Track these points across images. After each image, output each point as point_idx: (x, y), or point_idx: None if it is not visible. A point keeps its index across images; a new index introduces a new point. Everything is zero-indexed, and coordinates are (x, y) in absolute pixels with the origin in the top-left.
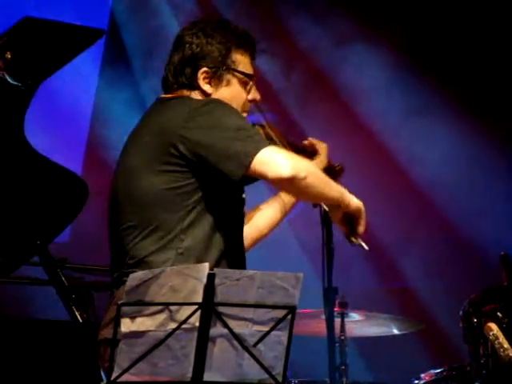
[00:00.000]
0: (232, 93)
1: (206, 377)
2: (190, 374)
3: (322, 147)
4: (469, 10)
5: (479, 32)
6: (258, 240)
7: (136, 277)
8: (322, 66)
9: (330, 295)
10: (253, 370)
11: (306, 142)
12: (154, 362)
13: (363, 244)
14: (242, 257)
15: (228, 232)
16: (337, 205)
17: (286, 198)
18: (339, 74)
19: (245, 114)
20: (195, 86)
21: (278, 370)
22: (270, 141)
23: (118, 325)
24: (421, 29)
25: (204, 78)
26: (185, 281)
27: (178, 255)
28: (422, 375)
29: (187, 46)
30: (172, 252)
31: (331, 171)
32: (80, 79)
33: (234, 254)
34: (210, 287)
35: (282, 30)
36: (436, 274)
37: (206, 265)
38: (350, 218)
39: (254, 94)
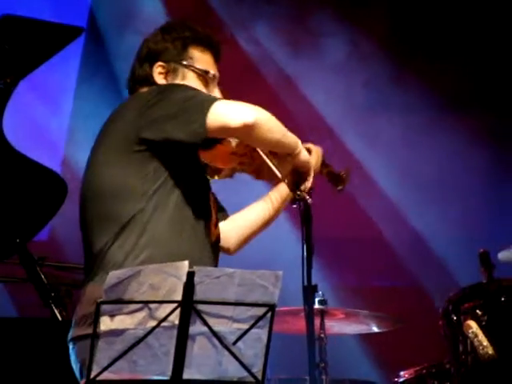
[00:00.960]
0: None
1: (186, 375)
2: (169, 372)
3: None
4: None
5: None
6: (249, 238)
7: (115, 275)
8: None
9: (309, 293)
10: (232, 368)
11: None
12: (133, 359)
13: (307, 197)
14: (207, 243)
15: (191, 218)
16: (289, 154)
17: (275, 196)
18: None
19: None
20: (152, 83)
21: (258, 368)
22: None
23: (96, 323)
24: (400, 20)
25: (159, 73)
26: (164, 279)
27: (140, 244)
28: (402, 373)
29: (145, 45)
30: (133, 240)
31: (335, 178)
32: (60, 75)
33: (197, 240)
34: (189, 285)
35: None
36: (415, 272)
37: (186, 263)
38: (298, 173)
39: (216, 94)
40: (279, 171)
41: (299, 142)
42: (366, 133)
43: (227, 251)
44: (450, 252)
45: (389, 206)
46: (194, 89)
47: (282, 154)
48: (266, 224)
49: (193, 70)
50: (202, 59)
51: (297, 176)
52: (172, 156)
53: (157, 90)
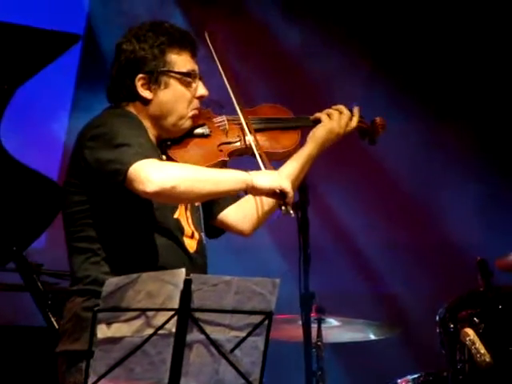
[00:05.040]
0: (174, 95)
1: (183, 383)
2: (166, 380)
3: (329, 113)
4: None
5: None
6: (260, 216)
7: (112, 282)
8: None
9: (306, 300)
10: (229, 376)
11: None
12: (130, 367)
13: (291, 213)
14: (179, 258)
15: (156, 239)
16: (244, 190)
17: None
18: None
19: (195, 112)
20: (136, 96)
21: (255, 376)
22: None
23: (93, 334)
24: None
25: (142, 85)
26: (161, 286)
27: (100, 272)
28: (399, 381)
29: (122, 55)
30: (97, 270)
31: (372, 129)
32: (56, 84)
33: (164, 262)
34: (186, 293)
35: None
36: (412, 279)
37: (183, 270)
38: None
39: (201, 91)
40: (265, 165)
41: (243, 176)
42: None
43: (242, 234)
44: (447, 259)
45: (385, 212)
46: (133, 132)
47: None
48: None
49: (174, 77)
50: (180, 61)
51: (274, 194)
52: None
53: (104, 118)
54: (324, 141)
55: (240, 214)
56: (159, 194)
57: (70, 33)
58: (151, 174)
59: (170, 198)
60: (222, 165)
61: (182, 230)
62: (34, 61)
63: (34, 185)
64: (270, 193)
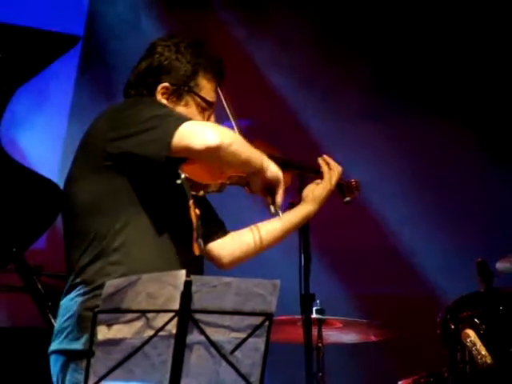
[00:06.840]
0: (188, 115)
1: None
2: (166, 382)
3: (329, 170)
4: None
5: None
6: (244, 259)
7: (112, 284)
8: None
9: (307, 302)
10: (230, 378)
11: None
12: (130, 369)
13: (280, 213)
14: (186, 259)
15: (165, 232)
16: (257, 171)
17: (288, 218)
18: None
19: None
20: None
21: (255, 378)
22: None
23: (93, 335)
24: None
25: (163, 93)
26: (161, 288)
27: (111, 261)
28: (400, 382)
29: (156, 56)
30: (104, 260)
31: (343, 188)
32: (57, 85)
33: (172, 257)
34: (186, 294)
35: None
36: (414, 280)
37: (183, 272)
38: (270, 188)
39: (210, 120)
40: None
41: (265, 157)
42: (356, 143)
43: (220, 266)
44: (448, 261)
45: (387, 214)
46: (167, 107)
47: (251, 171)
48: (267, 247)
49: (196, 100)
50: (206, 88)
51: (268, 191)
52: (140, 172)
53: (130, 103)
54: (323, 200)
55: (225, 249)
56: (219, 146)
57: (69, 34)
58: (206, 130)
59: (224, 154)
60: (221, 187)
61: (191, 232)
62: (34, 62)
63: (33, 186)
64: (272, 182)
